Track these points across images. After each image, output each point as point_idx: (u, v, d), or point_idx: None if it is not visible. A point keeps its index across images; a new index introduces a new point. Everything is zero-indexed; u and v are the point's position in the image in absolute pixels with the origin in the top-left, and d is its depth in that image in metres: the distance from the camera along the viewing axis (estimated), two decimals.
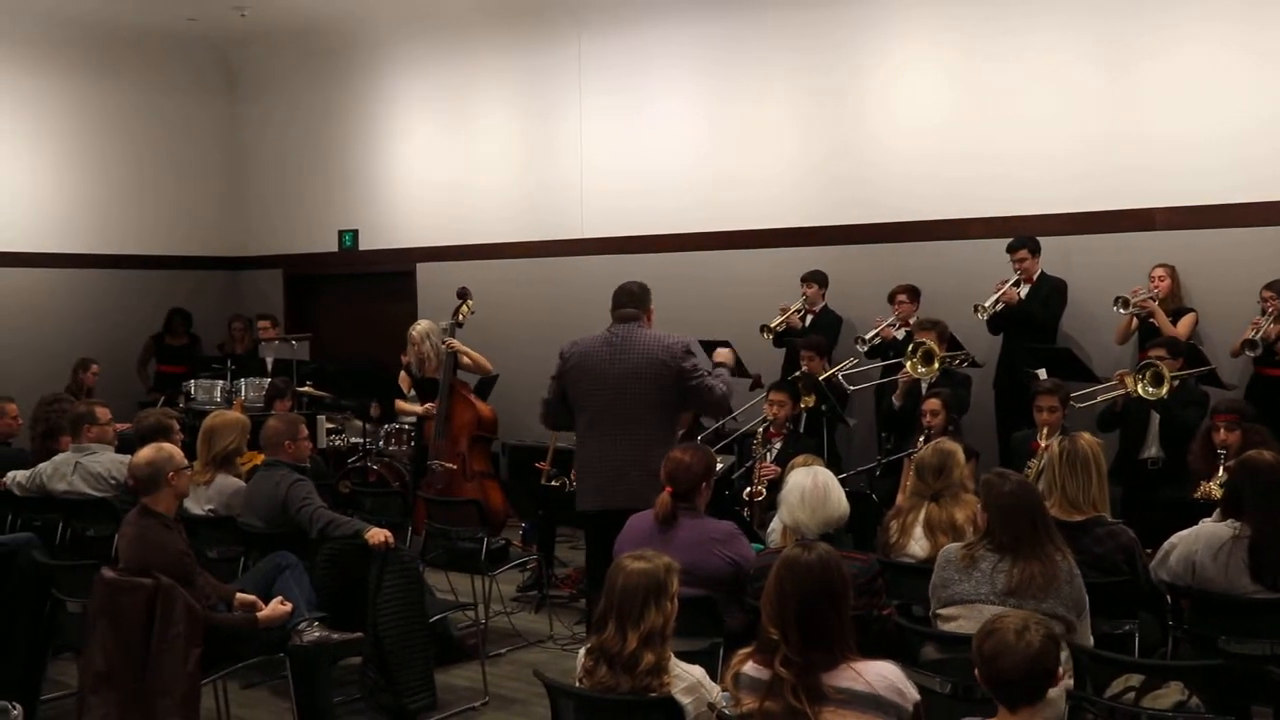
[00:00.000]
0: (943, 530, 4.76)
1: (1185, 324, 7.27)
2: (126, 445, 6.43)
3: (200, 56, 11.86)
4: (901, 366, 7.35)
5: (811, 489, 4.53)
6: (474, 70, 10.59)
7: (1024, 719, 2.94)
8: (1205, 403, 6.56)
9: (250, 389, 9.46)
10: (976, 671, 3.01)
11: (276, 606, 4.82)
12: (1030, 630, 2.96)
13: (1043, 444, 6.22)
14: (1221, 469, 5.70)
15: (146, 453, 4.72)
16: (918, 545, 4.85)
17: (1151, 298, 7.26)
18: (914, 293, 8.10)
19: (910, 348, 7.27)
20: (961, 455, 4.98)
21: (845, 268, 8.57)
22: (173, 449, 4.86)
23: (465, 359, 7.91)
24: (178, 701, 4.29)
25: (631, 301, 5.42)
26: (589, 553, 5.64)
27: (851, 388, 7.65)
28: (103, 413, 6.52)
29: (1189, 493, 5.87)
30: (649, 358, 5.24)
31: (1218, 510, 4.54)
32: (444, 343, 7.86)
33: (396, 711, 5.18)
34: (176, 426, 6.07)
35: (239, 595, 4.93)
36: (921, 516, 4.88)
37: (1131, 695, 3.62)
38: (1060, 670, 3.01)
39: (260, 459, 5.98)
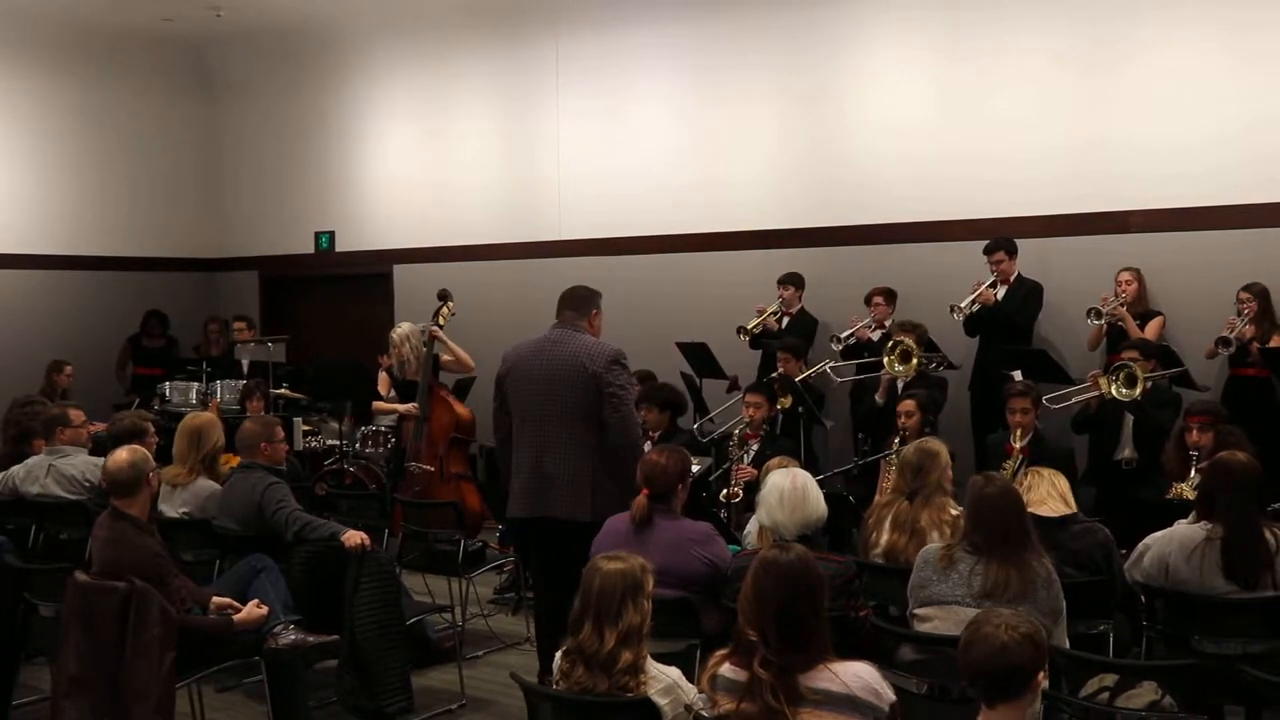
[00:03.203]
0: (901, 529, 4.77)
1: (1154, 327, 7.32)
2: (101, 447, 6.40)
3: (176, 57, 11.79)
4: (881, 365, 7.38)
5: (790, 490, 4.53)
6: (451, 71, 10.58)
7: (1003, 716, 2.93)
8: (1178, 404, 6.61)
9: (226, 391, 9.42)
10: (962, 678, 3.02)
11: (253, 609, 4.79)
12: (1006, 627, 2.93)
13: (1016, 446, 6.26)
14: (1194, 470, 5.74)
15: (125, 455, 4.66)
16: (882, 541, 4.87)
17: (1121, 303, 7.31)
18: (890, 295, 8.13)
19: (889, 345, 7.31)
20: (944, 457, 4.93)
21: (823, 270, 8.59)
22: (146, 451, 4.83)
23: (447, 356, 7.88)
24: (152, 706, 4.25)
25: (573, 305, 5.25)
26: (528, 559, 5.60)
27: (839, 380, 7.71)
28: (76, 415, 6.48)
29: (1163, 493, 5.91)
30: (574, 363, 5.05)
31: (1193, 513, 4.58)
32: (427, 331, 7.81)
33: (373, 714, 5.16)
34: (151, 429, 6.03)
35: (215, 598, 4.91)
36: (892, 513, 4.89)
37: (1106, 695, 3.65)
38: (1040, 674, 2.99)
39: (236, 461, 5.95)
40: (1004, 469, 6.02)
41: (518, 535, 7.40)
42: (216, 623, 4.75)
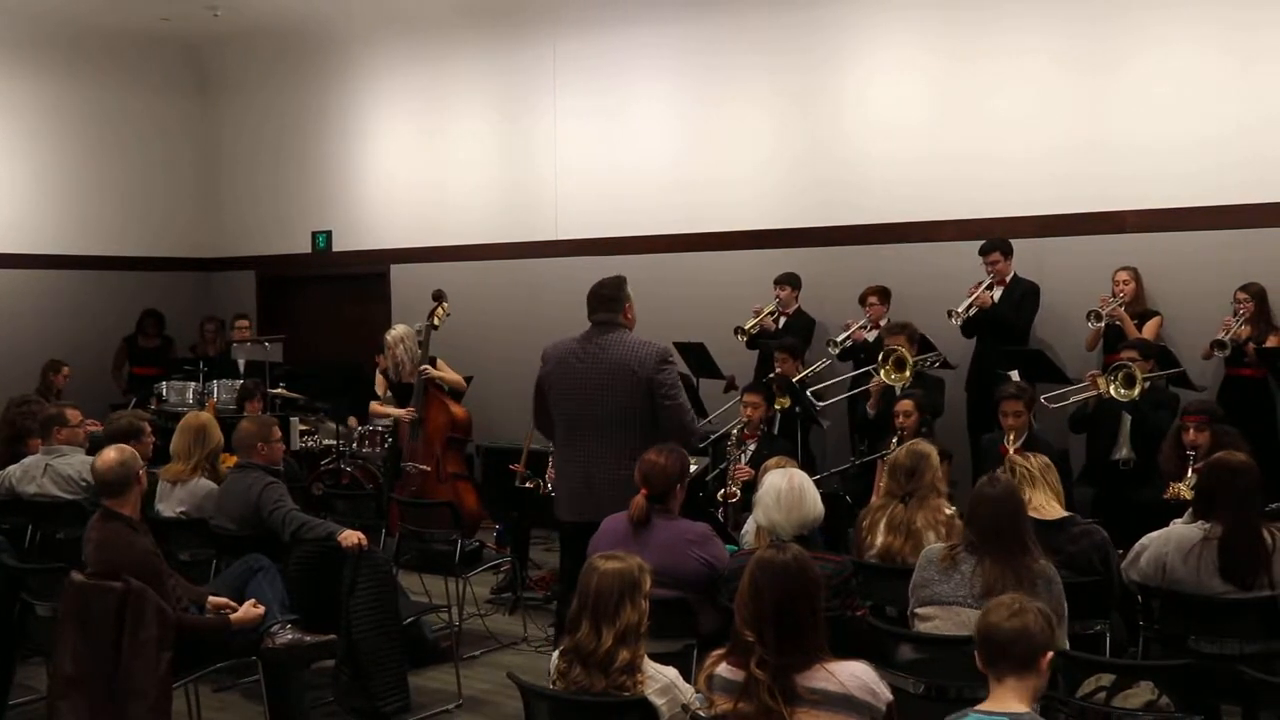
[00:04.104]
0: (897, 532, 4.77)
1: (1151, 327, 7.31)
2: (97, 447, 6.38)
3: (173, 56, 11.79)
4: (872, 375, 7.34)
5: (787, 490, 4.53)
6: (449, 71, 10.57)
7: (1011, 691, 2.95)
8: (1176, 404, 6.61)
9: (222, 391, 9.41)
10: (976, 652, 3.04)
11: (249, 609, 4.79)
12: (1023, 603, 3.06)
13: (1010, 448, 6.25)
14: (1190, 470, 5.74)
15: (114, 455, 4.65)
16: (876, 544, 4.87)
17: (1120, 304, 7.31)
18: (884, 294, 8.12)
19: (881, 356, 7.25)
20: (936, 458, 4.95)
21: (819, 270, 8.59)
22: (134, 450, 4.82)
23: (440, 381, 7.86)
24: (149, 705, 4.25)
25: (604, 305, 5.23)
26: (562, 560, 5.61)
27: (820, 404, 7.58)
28: (73, 414, 6.47)
29: (1160, 494, 5.91)
30: (621, 367, 5.05)
31: (1189, 512, 4.58)
32: (421, 371, 7.79)
33: (370, 714, 5.16)
34: (148, 429, 6.03)
35: (212, 598, 4.90)
36: (886, 516, 4.89)
37: (1103, 695, 3.65)
38: (1050, 653, 3.02)
39: (233, 461, 5.95)
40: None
41: (517, 536, 7.44)
42: (213, 622, 4.75)
